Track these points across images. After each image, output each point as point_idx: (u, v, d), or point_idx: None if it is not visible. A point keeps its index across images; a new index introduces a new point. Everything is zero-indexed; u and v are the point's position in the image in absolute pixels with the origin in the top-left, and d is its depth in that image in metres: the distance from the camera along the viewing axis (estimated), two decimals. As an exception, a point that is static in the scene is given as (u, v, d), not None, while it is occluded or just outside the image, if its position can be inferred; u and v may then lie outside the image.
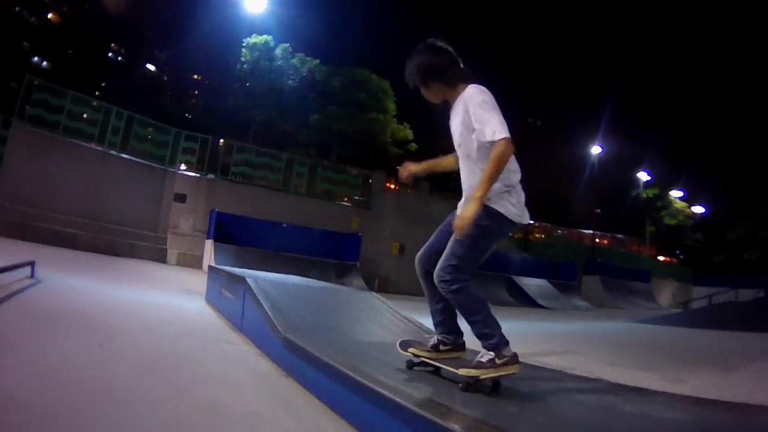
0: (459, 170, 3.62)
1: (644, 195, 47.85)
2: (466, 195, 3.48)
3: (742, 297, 24.71)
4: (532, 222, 36.09)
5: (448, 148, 3.76)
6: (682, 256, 50.15)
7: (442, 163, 3.99)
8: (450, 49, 3.60)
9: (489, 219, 3.32)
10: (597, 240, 40.47)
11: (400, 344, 3.85)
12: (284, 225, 18.19)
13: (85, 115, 18.79)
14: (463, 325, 3.59)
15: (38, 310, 5.39)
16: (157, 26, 35.20)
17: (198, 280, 12.10)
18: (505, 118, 3.27)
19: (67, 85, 18.84)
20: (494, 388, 3.29)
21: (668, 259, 48.76)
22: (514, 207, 3.40)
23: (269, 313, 4.90)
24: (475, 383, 3.22)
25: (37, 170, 16.34)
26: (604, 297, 25.10)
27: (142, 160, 19.62)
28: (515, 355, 3.26)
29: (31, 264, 7.35)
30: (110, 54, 34.71)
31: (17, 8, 37.40)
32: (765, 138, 45.41)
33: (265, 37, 27.05)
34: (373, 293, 8.00)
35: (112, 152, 18.85)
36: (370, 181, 24.10)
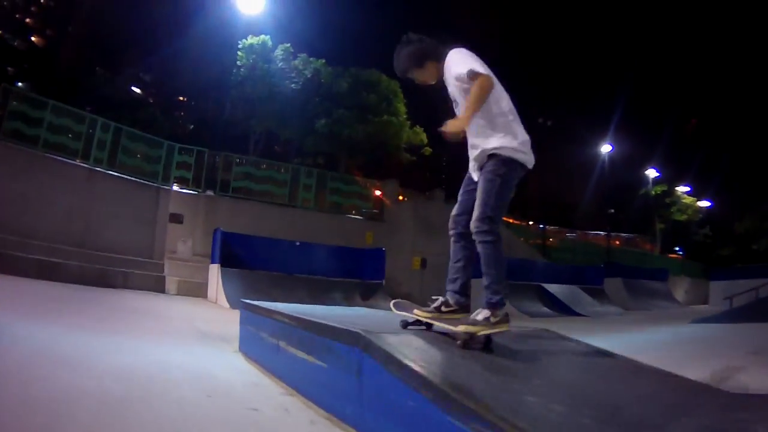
0: None
1: (653, 192, 46.78)
2: (473, 156, 3.84)
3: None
4: (544, 226, 35.95)
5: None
6: (687, 252, 48.99)
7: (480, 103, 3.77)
8: (426, 36, 4.05)
9: (504, 166, 3.65)
10: (611, 241, 39.38)
11: (394, 305, 4.22)
12: (297, 243, 16.11)
13: (69, 135, 16.54)
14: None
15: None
16: (143, 35, 32.64)
17: (208, 315, 10.32)
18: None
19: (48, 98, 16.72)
20: (486, 344, 3.51)
21: (677, 255, 47.71)
22: (523, 153, 3.71)
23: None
24: (470, 339, 3.41)
25: (15, 191, 14.12)
26: (627, 300, 23.80)
27: (132, 177, 17.51)
28: (507, 315, 3.52)
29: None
30: (96, 68, 32.04)
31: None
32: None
33: (262, 37, 24.78)
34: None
35: (99, 169, 16.67)
36: (378, 192, 22.32)
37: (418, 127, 27.90)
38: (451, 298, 3.83)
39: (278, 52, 24.87)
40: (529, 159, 3.74)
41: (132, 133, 18.43)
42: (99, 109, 22.29)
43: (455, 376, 2.87)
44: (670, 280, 32.61)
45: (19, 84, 30.78)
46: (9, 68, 34.98)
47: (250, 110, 25.12)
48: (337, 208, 22.11)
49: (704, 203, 49.83)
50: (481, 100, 3.56)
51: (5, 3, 36.78)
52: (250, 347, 5.87)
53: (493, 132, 3.69)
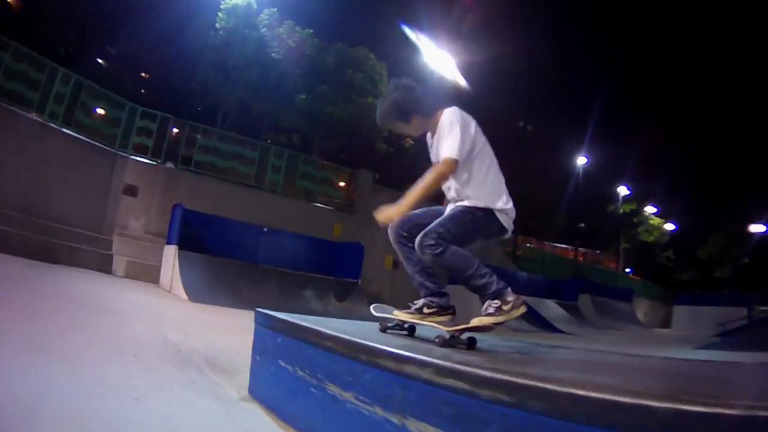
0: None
1: (622, 210, 46.20)
2: (454, 200, 3.71)
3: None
4: (513, 234, 35.09)
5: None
6: (648, 274, 48.97)
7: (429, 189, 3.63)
8: (418, 84, 3.81)
9: (481, 212, 3.54)
10: (581, 256, 38.93)
11: (373, 308, 4.06)
12: (265, 229, 14.41)
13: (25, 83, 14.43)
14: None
15: None
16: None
17: (170, 311, 8.39)
18: (486, 125, 3.72)
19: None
20: (470, 346, 3.34)
21: (637, 276, 47.65)
22: (506, 214, 3.60)
23: None
24: (451, 339, 3.31)
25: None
26: (595, 318, 23.23)
27: (88, 139, 15.59)
28: (519, 297, 3.37)
29: None
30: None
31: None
32: (737, 157, 46.19)
33: (247, -1, 22.84)
34: None
35: (53, 125, 14.70)
36: (351, 182, 20.85)
37: (402, 115, 26.32)
38: (429, 302, 3.69)
39: (263, 17, 22.98)
40: (508, 224, 3.65)
41: (93, 88, 16.45)
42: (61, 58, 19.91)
43: None
44: (635, 301, 32.41)
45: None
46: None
47: (223, 78, 23.27)
48: (306, 194, 20.59)
49: (669, 226, 49.60)
50: (436, 185, 3.56)
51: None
52: (275, 394, 3.54)
53: (478, 190, 3.59)
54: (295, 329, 3.42)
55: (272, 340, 3.67)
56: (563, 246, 41.23)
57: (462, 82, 28.14)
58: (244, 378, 3.98)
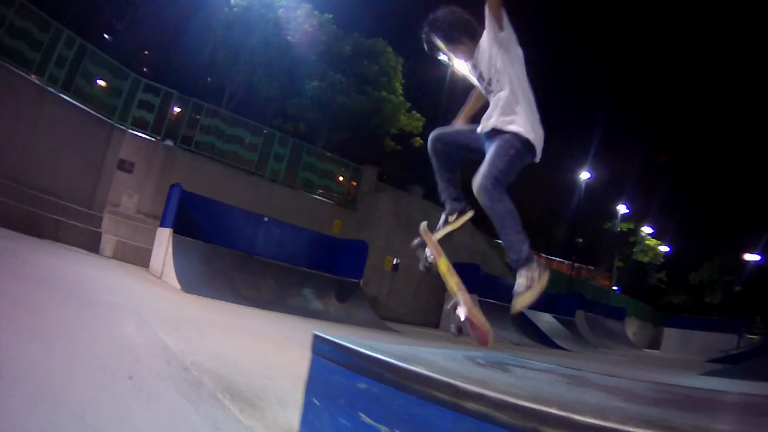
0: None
1: (619, 228, 45.61)
2: (496, 106, 3.57)
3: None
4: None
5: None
6: (639, 294, 48.75)
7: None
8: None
9: (521, 144, 3.46)
10: (575, 271, 38.51)
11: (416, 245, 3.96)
12: (266, 219, 13.62)
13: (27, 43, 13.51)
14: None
15: None
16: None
17: (167, 306, 7.47)
18: None
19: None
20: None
21: (628, 296, 47.44)
22: (537, 146, 3.53)
23: None
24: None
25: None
26: (589, 336, 23.04)
27: (87, 108, 14.69)
28: (541, 264, 3.35)
29: None
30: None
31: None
32: (735, 185, 46.44)
33: (268, -25, 21.70)
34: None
35: (52, 90, 13.78)
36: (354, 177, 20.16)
37: (415, 112, 25.72)
38: (452, 208, 3.85)
39: (283, -2, 22.04)
40: (539, 153, 3.61)
41: (97, 55, 15.55)
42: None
43: None
44: (626, 321, 32.56)
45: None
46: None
47: (233, 58, 22.37)
48: (307, 186, 19.78)
49: (664, 248, 49.26)
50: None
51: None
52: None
53: (521, 112, 3.51)
54: (394, 374, 2.17)
55: (347, 383, 2.42)
56: (558, 260, 40.76)
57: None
58: (279, 415, 3.24)
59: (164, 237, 11.57)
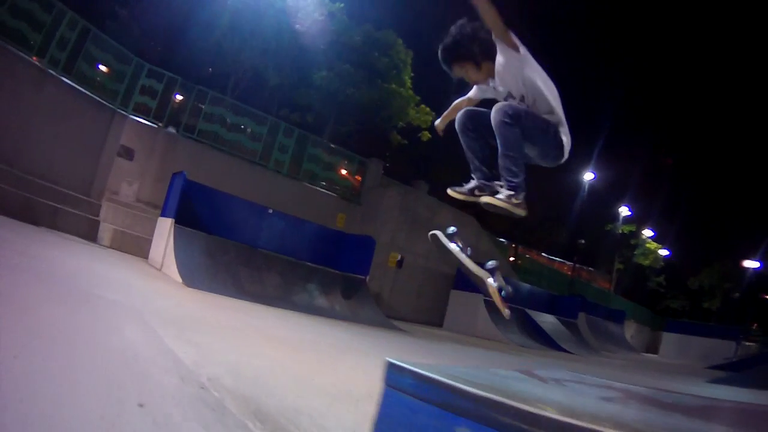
0: None
1: (621, 231, 45.34)
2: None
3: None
4: (516, 245, 34.55)
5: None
6: (638, 298, 48.57)
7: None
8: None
9: (555, 133, 3.68)
10: (576, 272, 38.28)
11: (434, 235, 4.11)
12: (270, 211, 13.16)
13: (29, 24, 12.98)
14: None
15: None
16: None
17: (161, 298, 7.08)
18: None
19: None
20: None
21: (626, 298, 47.30)
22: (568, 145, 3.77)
23: None
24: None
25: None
26: (590, 338, 22.60)
27: (88, 92, 14.25)
28: (525, 203, 3.64)
29: None
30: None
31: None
32: (737, 191, 46.46)
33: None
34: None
35: (53, 73, 13.34)
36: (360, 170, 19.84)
37: (425, 106, 25.28)
38: (482, 185, 3.90)
39: (295, -17, 21.46)
40: (566, 154, 3.83)
41: (100, 38, 15.09)
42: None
43: None
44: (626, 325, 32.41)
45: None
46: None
47: (240, 44, 21.82)
48: (311, 178, 19.31)
49: (664, 252, 49.01)
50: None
51: None
52: None
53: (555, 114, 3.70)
54: (514, 418, 1.65)
55: (439, 425, 1.92)
56: (560, 260, 40.45)
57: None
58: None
59: (165, 227, 11.15)
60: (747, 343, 32.06)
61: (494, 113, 3.55)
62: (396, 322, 13.31)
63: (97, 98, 14.53)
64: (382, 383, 2.17)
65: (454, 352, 10.65)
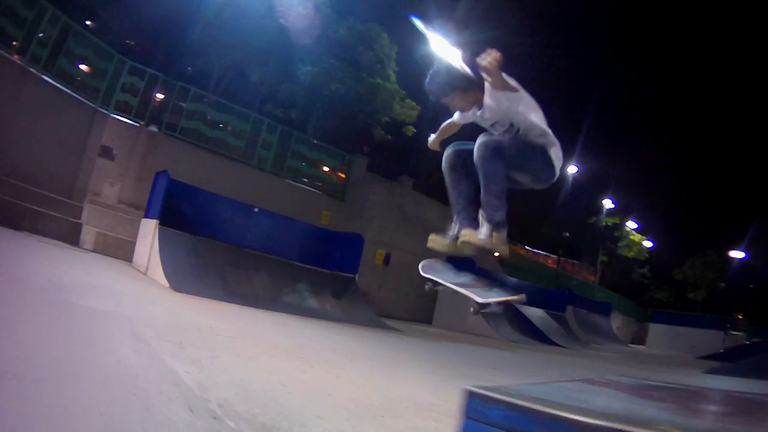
0: None
1: (604, 223, 45.34)
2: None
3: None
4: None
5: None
6: (624, 289, 48.94)
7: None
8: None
9: (543, 154, 3.82)
10: (561, 266, 38.43)
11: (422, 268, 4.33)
12: (256, 210, 12.90)
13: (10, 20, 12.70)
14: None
15: None
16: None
17: (150, 305, 6.80)
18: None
19: None
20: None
21: (611, 291, 47.65)
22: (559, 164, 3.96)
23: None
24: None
25: None
26: (579, 331, 22.68)
27: (69, 90, 13.92)
28: (507, 242, 3.74)
29: None
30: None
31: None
32: (721, 182, 46.87)
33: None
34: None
35: (33, 71, 12.95)
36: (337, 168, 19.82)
37: (410, 100, 25.15)
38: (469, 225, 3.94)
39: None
40: (556, 173, 4.03)
41: (82, 34, 14.81)
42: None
43: None
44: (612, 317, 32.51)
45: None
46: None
47: (221, 39, 21.57)
48: (295, 175, 19.11)
49: (648, 243, 49.31)
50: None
51: None
52: None
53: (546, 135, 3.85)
54: None
55: None
56: (544, 254, 40.62)
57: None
58: None
59: (149, 229, 10.84)
60: (734, 333, 32.54)
61: (476, 149, 3.63)
62: (386, 321, 13.16)
63: (78, 97, 14.18)
64: (460, 415, 1.89)
65: (461, 354, 10.41)
